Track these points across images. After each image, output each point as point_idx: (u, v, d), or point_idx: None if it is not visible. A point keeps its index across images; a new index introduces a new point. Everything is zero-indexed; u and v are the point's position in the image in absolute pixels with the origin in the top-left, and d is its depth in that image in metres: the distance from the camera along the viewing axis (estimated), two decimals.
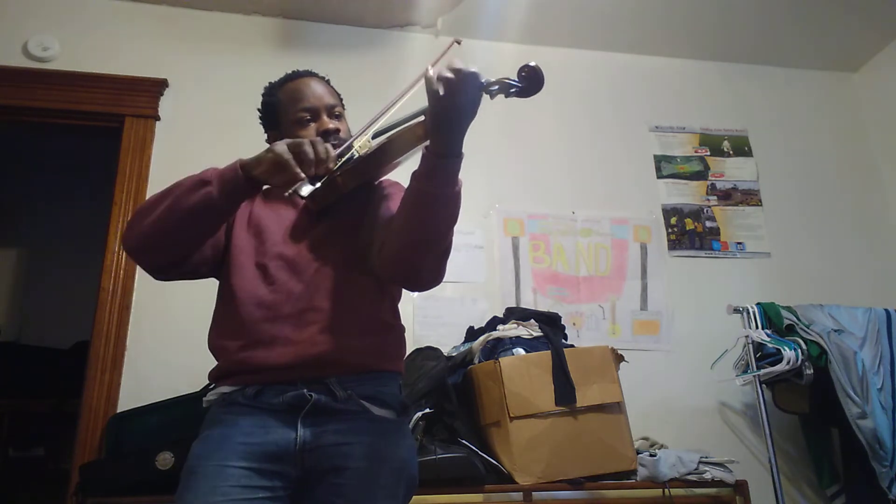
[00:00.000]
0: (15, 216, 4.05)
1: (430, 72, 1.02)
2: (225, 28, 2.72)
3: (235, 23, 2.74)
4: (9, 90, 2.44)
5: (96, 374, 2.20)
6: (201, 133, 2.54)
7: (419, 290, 1.23)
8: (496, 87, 1.07)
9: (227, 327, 1.22)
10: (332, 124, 1.32)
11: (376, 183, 1.35)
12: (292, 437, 1.13)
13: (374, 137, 1.25)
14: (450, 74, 0.99)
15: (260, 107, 1.40)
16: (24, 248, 4.07)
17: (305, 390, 1.14)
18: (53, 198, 4.02)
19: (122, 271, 2.31)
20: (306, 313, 1.18)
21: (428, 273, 1.16)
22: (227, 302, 1.24)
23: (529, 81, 1.08)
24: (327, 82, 1.40)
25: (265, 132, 1.41)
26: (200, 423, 1.20)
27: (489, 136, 2.71)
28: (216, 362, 1.23)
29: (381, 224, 1.24)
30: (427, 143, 1.09)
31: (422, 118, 1.13)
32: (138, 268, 1.92)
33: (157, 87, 2.55)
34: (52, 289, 3.87)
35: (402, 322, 1.32)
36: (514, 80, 1.07)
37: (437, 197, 1.07)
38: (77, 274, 3.67)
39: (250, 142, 1.53)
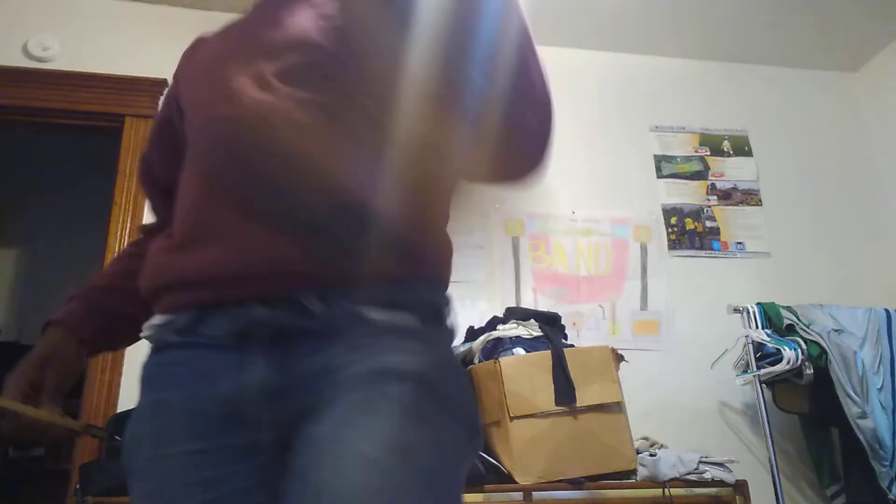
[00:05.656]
0: (15, 216, 4.05)
1: None
2: None
3: None
4: (9, 90, 2.44)
5: (96, 374, 2.20)
6: None
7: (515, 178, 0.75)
8: None
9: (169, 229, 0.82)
10: None
11: None
12: (249, 380, 0.70)
13: None
14: None
15: None
16: (24, 247, 4.07)
17: (257, 309, 0.71)
18: (53, 198, 4.02)
19: None
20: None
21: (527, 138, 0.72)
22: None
23: None
24: None
25: None
26: None
27: None
28: None
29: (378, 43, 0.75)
30: None
31: None
32: None
33: (157, 87, 2.55)
34: (52, 289, 3.87)
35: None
36: None
37: None
38: (77, 274, 3.67)
39: None
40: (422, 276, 0.77)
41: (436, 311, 0.78)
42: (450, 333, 0.81)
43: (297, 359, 0.71)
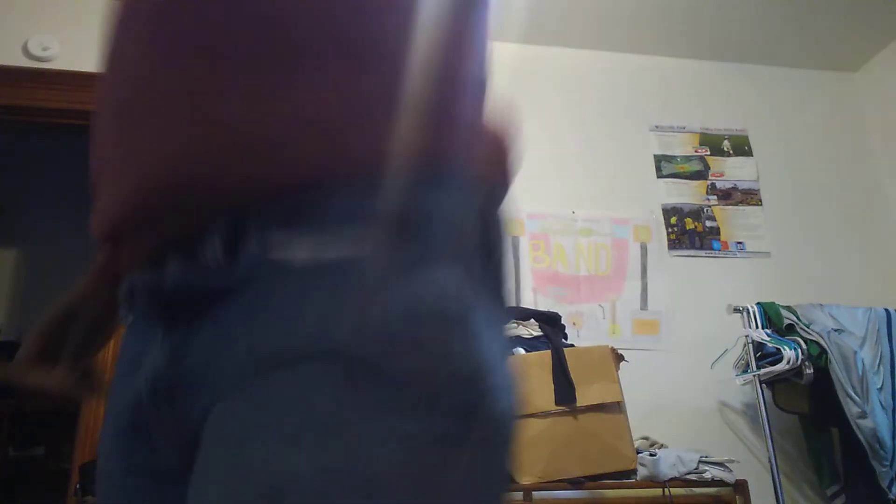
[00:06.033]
0: (15, 216, 4.05)
1: None
2: None
3: None
4: (9, 90, 2.44)
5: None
6: None
7: None
8: None
9: None
10: None
11: None
12: (141, 377, 0.51)
13: None
14: None
15: None
16: (24, 248, 4.07)
17: (158, 269, 0.49)
18: (53, 198, 4.02)
19: None
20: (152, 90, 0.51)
21: None
22: None
23: None
24: None
25: None
26: None
27: None
28: None
29: None
30: None
31: None
32: None
33: None
34: (52, 289, 3.87)
35: None
36: None
37: None
38: (77, 274, 3.67)
39: None
40: (412, 173, 0.46)
41: (408, 220, 0.45)
42: (448, 251, 0.46)
43: (193, 340, 0.47)
